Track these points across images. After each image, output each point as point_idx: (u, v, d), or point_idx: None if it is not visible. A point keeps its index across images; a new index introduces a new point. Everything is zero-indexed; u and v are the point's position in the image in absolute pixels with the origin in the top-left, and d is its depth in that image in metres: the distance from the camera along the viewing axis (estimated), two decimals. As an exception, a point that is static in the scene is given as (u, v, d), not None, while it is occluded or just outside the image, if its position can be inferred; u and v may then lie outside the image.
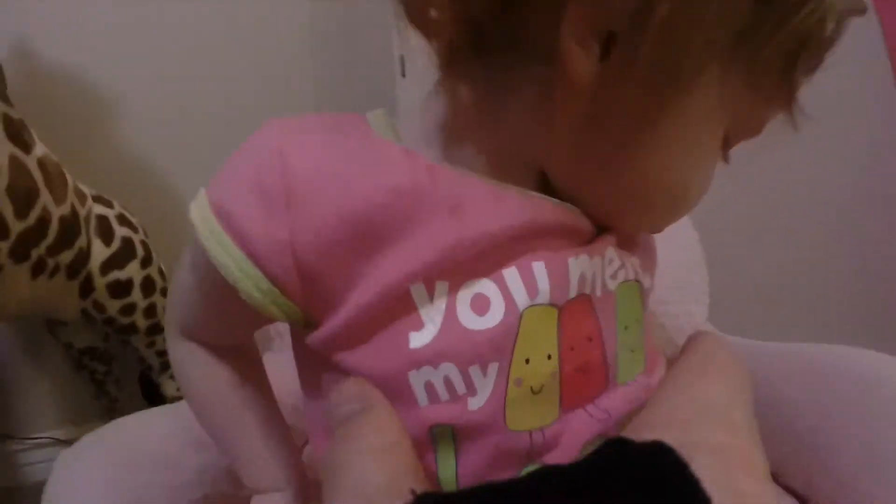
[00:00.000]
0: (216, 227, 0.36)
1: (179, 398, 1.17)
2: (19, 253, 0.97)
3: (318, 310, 0.37)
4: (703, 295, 0.87)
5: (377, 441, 0.37)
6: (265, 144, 0.36)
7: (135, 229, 1.25)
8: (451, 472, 0.38)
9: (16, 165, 0.96)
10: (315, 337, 0.37)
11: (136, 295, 1.21)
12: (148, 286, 1.24)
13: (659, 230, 0.45)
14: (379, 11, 1.67)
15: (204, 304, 0.44)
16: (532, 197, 0.38)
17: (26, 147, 1.01)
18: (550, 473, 0.39)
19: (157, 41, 1.59)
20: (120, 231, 1.20)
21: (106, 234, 1.18)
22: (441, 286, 0.36)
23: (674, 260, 0.78)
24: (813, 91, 0.40)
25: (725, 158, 0.43)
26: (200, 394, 0.49)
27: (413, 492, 0.35)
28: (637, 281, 0.45)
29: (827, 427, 0.64)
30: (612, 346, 0.42)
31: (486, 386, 0.36)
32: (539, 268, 0.37)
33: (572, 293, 0.39)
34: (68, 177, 1.12)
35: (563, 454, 0.40)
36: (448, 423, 0.37)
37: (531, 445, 0.39)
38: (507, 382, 0.37)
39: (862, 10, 0.37)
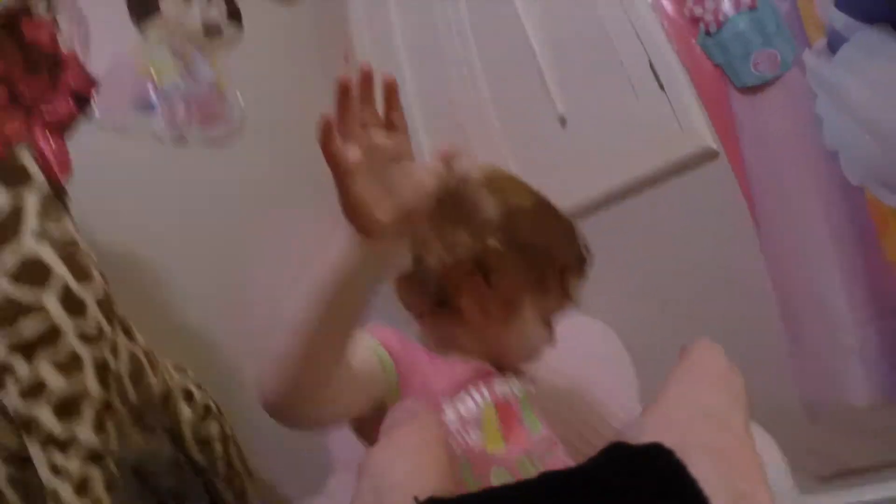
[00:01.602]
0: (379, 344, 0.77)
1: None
2: (135, 419, 1.28)
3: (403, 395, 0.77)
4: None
5: (409, 442, 0.64)
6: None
7: (207, 393, 1.56)
8: (469, 477, 0.72)
9: (131, 355, 1.29)
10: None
11: (217, 446, 1.52)
12: (224, 438, 1.54)
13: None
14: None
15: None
16: (459, 362, 0.84)
17: (133, 338, 1.34)
18: (551, 477, 0.51)
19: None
20: (199, 396, 1.52)
21: (189, 400, 1.49)
22: (448, 398, 0.79)
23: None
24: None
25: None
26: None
27: (416, 499, 0.48)
28: (526, 391, 0.88)
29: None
30: (522, 419, 0.83)
31: (474, 435, 0.76)
32: (483, 390, 0.82)
33: (500, 398, 0.82)
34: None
35: (510, 461, 0.74)
36: (465, 456, 0.75)
37: (495, 457, 0.75)
38: (483, 434, 0.77)
39: None
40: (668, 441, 0.48)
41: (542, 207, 0.92)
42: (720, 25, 1.29)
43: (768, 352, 1.22)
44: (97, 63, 1.36)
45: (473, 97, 1.67)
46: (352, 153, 0.52)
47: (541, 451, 0.80)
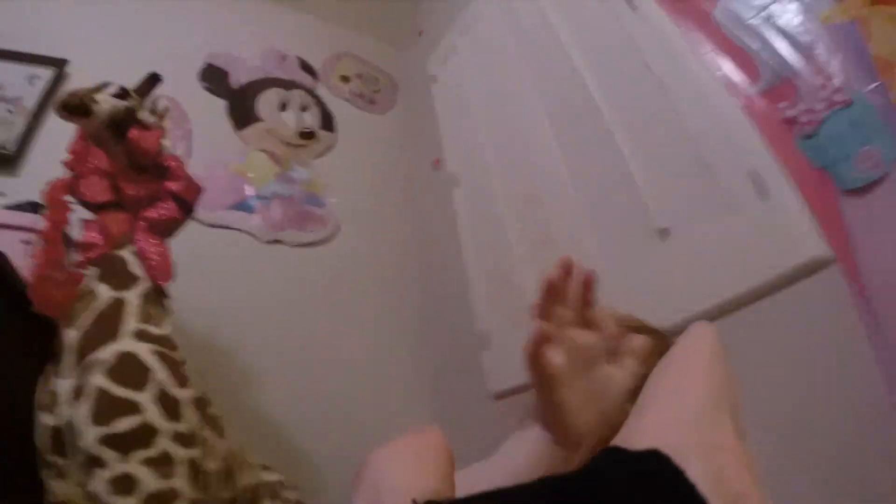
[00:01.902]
0: None
1: None
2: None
3: None
4: None
5: (410, 447, 0.59)
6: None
7: (296, 490, 1.56)
8: None
9: (221, 453, 1.29)
10: None
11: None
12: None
13: None
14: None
15: None
16: None
17: (223, 435, 1.35)
18: (550, 482, 0.49)
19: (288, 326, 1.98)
20: (287, 494, 1.51)
21: (277, 498, 1.48)
22: None
23: None
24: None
25: None
26: None
27: (414, 501, 0.47)
28: None
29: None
30: None
31: None
32: None
33: None
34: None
35: None
36: None
37: None
38: None
39: None
40: (664, 444, 0.47)
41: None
42: (816, 126, 1.27)
43: (881, 466, 1.13)
44: (199, 166, 1.42)
45: (565, 207, 1.67)
46: (557, 357, 0.51)
47: None
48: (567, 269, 0.51)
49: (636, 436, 0.54)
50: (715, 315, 1.27)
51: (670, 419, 0.57)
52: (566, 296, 0.52)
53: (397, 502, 0.51)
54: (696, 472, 0.44)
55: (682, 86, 1.43)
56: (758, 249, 1.25)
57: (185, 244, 1.40)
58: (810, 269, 1.19)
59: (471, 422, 1.83)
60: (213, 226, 1.99)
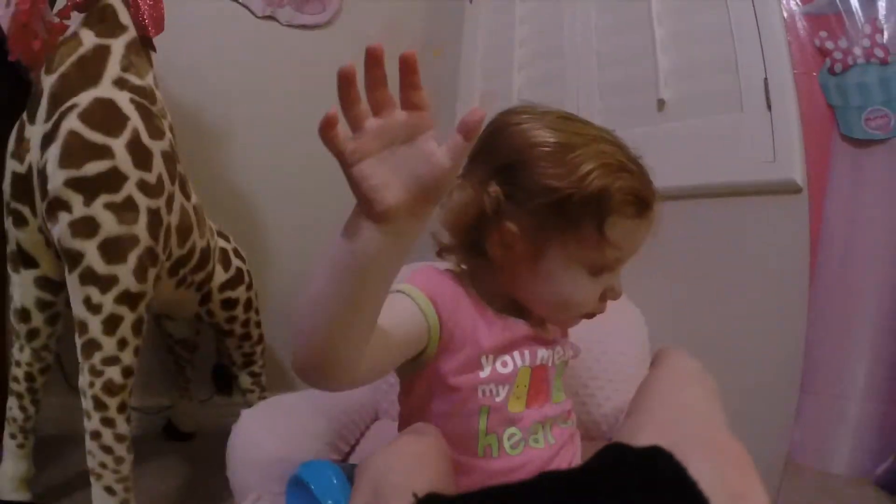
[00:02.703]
0: (422, 294, 0.74)
1: (251, 391, 1.58)
2: (173, 270, 1.36)
3: (445, 349, 0.74)
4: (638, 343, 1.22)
5: (409, 447, 0.66)
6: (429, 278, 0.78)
7: (244, 260, 1.64)
8: (483, 426, 0.75)
9: (183, 211, 1.35)
10: (444, 366, 0.74)
11: (240, 310, 1.60)
12: (248, 305, 1.63)
13: (566, 324, 0.88)
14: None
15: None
16: (519, 322, 0.81)
17: (188, 196, 1.40)
18: (551, 478, 0.51)
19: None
20: (235, 262, 1.60)
21: (225, 263, 1.57)
22: (490, 357, 0.76)
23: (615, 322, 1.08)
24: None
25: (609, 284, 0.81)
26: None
27: (415, 495, 0.49)
28: (565, 362, 0.88)
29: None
30: (551, 384, 0.83)
31: (502, 392, 0.76)
32: (525, 352, 0.79)
33: (538, 363, 0.80)
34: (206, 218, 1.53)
35: (525, 424, 0.77)
36: (486, 406, 0.75)
37: (514, 417, 0.76)
38: (510, 393, 0.77)
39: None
40: (664, 441, 0.49)
41: (570, 146, 0.78)
42: (846, 68, 1.26)
43: (777, 391, 1.24)
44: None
45: (580, 55, 1.64)
46: (353, 143, 0.51)
47: (556, 417, 0.82)
48: (373, 56, 0.50)
49: (635, 432, 0.56)
50: (684, 194, 1.33)
51: (670, 418, 0.59)
52: (380, 81, 0.51)
53: (398, 499, 0.52)
54: (698, 470, 0.45)
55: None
56: (745, 152, 1.29)
57: (172, 8, 1.35)
58: (783, 188, 1.24)
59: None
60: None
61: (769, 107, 1.27)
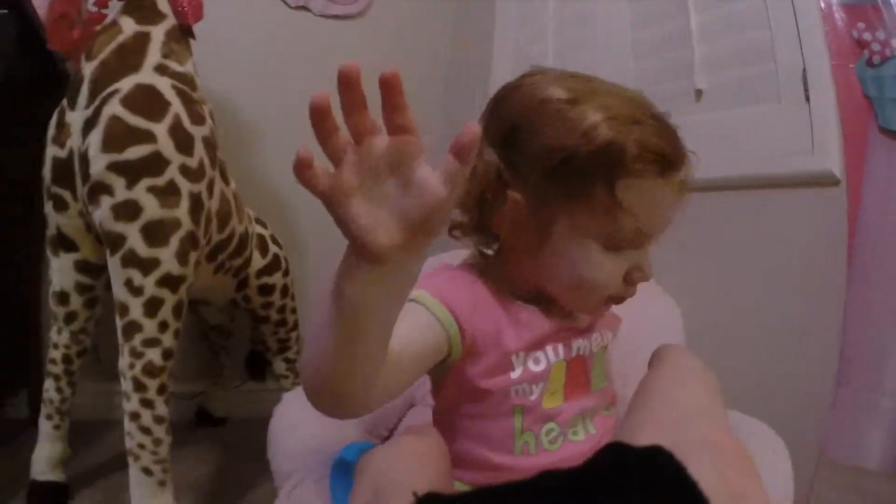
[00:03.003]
0: (437, 302, 0.70)
1: (286, 376, 1.59)
2: (212, 255, 1.38)
3: (469, 353, 0.71)
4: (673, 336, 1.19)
5: (410, 447, 0.63)
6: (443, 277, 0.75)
7: (280, 247, 1.65)
8: (519, 425, 0.71)
9: (222, 197, 1.37)
10: (471, 369, 0.71)
11: (276, 296, 1.62)
12: (285, 291, 1.65)
13: (590, 310, 0.79)
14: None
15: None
16: (542, 316, 0.75)
17: (227, 182, 1.41)
18: (551, 477, 0.50)
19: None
20: (272, 248, 1.61)
21: (263, 249, 1.58)
22: (521, 355, 0.73)
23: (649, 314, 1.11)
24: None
25: (637, 264, 0.73)
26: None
27: (415, 494, 0.49)
28: (604, 347, 0.82)
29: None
30: (589, 373, 0.78)
31: (536, 391, 0.72)
32: (559, 347, 0.75)
33: (574, 354, 0.76)
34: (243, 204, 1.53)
35: (563, 419, 0.73)
36: (520, 405, 0.72)
37: (551, 413, 0.73)
38: (544, 391, 0.73)
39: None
40: (664, 439, 0.48)
41: (576, 100, 0.70)
42: (884, 59, 1.24)
43: (811, 384, 1.23)
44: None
45: (616, 43, 1.64)
46: (333, 180, 0.44)
47: (597, 406, 0.79)
48: (346, 79, 0.42)
49: (636, 432, 0.54)
50: (722, 185, 1.33)
51: (671, 417, 0.58)
52: (359, 105, 0.44)
53: (398, 499, 0.52)
54: (698, 470, 0.44)
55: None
56: (783, 144, 1.28)
57: None
58: (821, 180, 1.22)
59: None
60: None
61: (807, 98, 1.26)
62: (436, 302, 0.70)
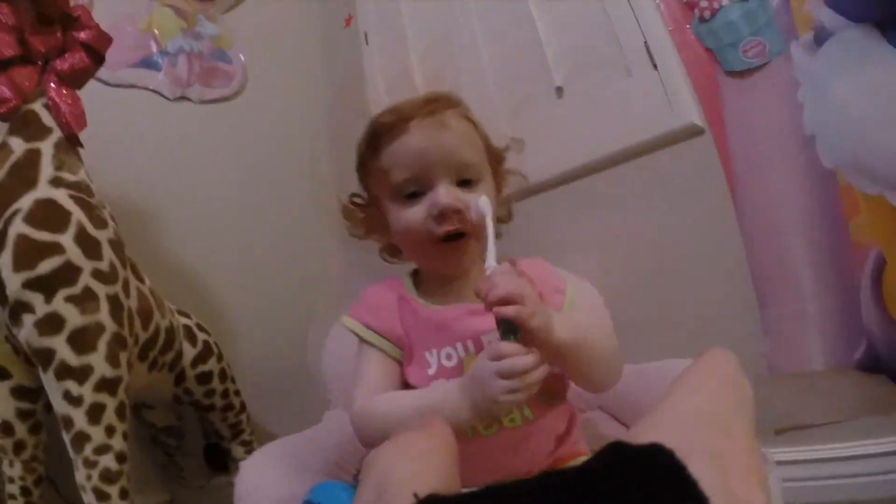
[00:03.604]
0: (363, 328, 0.84)
1: (245, 459, 1.55)
2: (143, 354, 1.37)
3: (405, 356, 0.84)
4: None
5: (415, 445, 0.64)
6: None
7: (209, 333, 1.65)
8: None
9: (140, 294, 1.37)
10: (406, 369, 0.84)
11: (216, 382, 1.61)
12: (223, 376, 1.64)
13: (437, 259, 0.89)
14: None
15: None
16: (442, 308, 0.88)
17: (142, 280, 1.42)
18: (551, 477, 0.49)
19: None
20: (200, 336, 1.61)
21: (191, 339, 1.58)
22: (434, 351, 0.84)
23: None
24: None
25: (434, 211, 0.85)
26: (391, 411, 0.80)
27: (416, 495, 0.48)
28: None
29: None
30: None
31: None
32: (468, 342, 0.85)
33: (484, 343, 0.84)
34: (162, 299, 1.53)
35: None
36: None
37: None
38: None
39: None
40: (670, 440, 0.48)
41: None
42: (714, 13, 1.37)
43: (739, 314, 1.32)
44: (102, 21, 1.39)
45: (473, 61, 1.74)
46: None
47: None
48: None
49: (642, 431, 0.54)
50: (599, 166, 1.42)
51: (677, 418, 0.57)
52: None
53: (402, 498, 0.52)
54: (699, 470, 0.44)
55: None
56: (644, 111, 1.39)
57: (88, 105, 1.37)
58: (687, 133, 1.33)
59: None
60: (117, 85, 1.93)
61: (654, 65, 1.38)
62: (359, 326, 0.89)
